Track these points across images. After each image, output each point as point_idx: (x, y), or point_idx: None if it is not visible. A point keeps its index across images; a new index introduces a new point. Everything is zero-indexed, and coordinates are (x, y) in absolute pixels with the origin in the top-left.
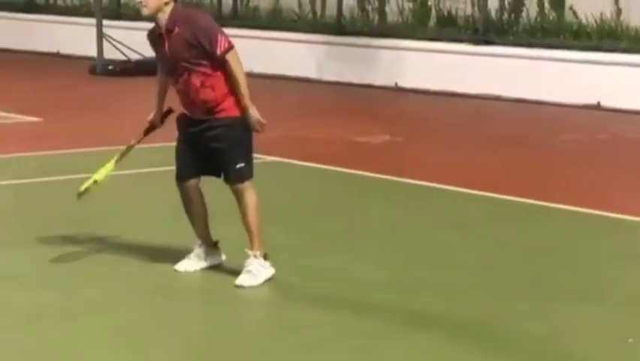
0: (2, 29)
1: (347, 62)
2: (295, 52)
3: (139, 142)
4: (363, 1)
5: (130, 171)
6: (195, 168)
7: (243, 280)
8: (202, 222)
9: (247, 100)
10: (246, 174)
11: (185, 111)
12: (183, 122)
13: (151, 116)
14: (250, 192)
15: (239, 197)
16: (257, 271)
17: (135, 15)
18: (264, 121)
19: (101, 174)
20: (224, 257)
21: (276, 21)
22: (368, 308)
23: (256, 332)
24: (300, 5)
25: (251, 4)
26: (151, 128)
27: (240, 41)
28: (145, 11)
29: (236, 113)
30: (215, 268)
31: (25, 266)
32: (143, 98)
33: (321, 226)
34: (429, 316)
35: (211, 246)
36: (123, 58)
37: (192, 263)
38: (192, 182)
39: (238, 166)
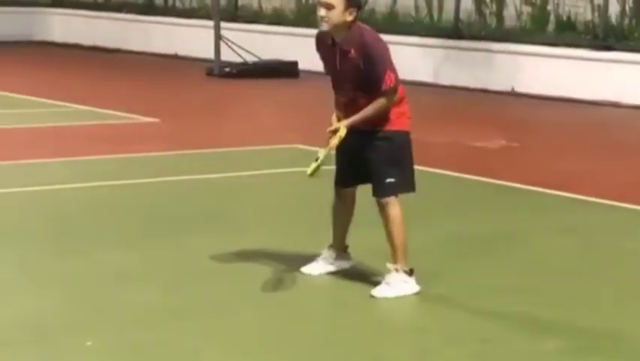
0: (122, 31)
1: (463, 66)
2: (411, 55)
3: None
4: (481, 4)
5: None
6: (354, 179)
7: (378, 290)
8: (343, 227)
9: (357, 119)
10: (392, 190)
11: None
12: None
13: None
14: (394, 206)
15: (383, 210)
16: (395, 284)
17: (252, 17)
18: (343, 133)
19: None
20: (353, 263)
21: (392, 24)
22: (485, 314)
23: (372, 336)
24: (416, 8)
25: (367, 7)
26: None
27: None
28: (325, 27)
29: (396, 128)
30: (344, 273)
31: (135, 265)
32: (258, 100)
33: (437, 231)
34: (548, 323)
35: (341, 250)
36: (240, 60)
37: (318, 266)
38: (350, 189)
39: (387, 181)
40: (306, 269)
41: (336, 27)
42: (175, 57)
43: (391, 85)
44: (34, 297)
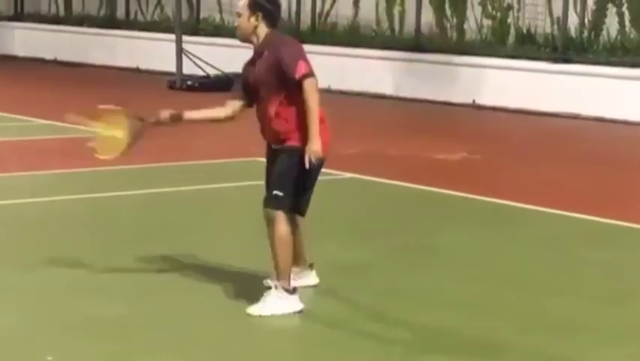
0: (84, 44)
1: (424, 78)
2: (373, 68)
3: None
4: (442, 17)
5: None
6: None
7: (253, 308)
8: (294, 242)
9: (314, 130)
10: (280, 204)
11: (263, 138)
12: (266, 148)
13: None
14: (280, 223)
15: (269, 226)
16: (271, 301)
17: (214, 31)
18: (321, 155)
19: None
20: (317, 280)
21: (354, 37)
22: (442, 328)
23: (325, 350)
24: (377, 22)
25: (329, 20)
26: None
27: (318, 58)
28: (238, 35)
29: (299, 144)
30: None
31: (100, 278)
32: None
33: (397, 244)
34: (500, 338)
35: (305, 267)
36: (202, 73)
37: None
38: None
39: (275, 193)
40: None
41: (245, 33)
42: (137, 70)
43: (305, 72)
44: None
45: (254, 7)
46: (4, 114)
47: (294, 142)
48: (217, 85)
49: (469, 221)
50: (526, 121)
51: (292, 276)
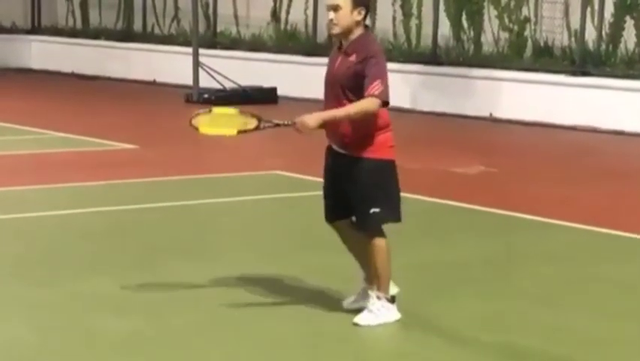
0: (101, 57)
1: (441, 91)
2: (390, 81)
3: (276, 126)
4: (459, 30)
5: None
6: (340, 210)
7: (361, 318)
8: (359, 260)
9: (330, 115)
10: (383, 220)
11: (328, 140)
12: (328, 154)
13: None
14: (380, 236)
15: (368, 239)
16: (378, 311)
17: (230, 44)
18: (308, 127)
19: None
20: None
21: None
22: (465, 342)
23: None
24: (395, 35)
25: None
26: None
27: None
28: (335, 30)
29: (381, 155)
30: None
31: (116, 292)
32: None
33: (413, 258)
34: (521, 352)
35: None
36: (218, 86)
37: (352, 301)
38: (342, 222)
39: (372, 211)
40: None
41: (346, 29)
42: (153, 84)
43: (376, 92)
44: (12, 326)
45: (359, 0)
46: (21, 127)
47: (372, 155)
48: (233, 98)
49: (486, 234)
50: (543, 134)
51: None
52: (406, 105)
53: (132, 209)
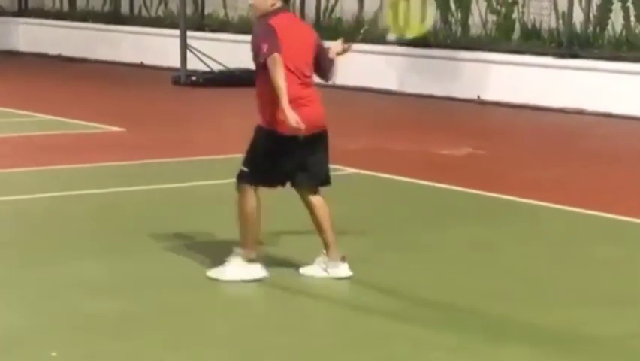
0: (88, 40)
1: (429, 74)
2: (377, 64)
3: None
4: (447, 13)
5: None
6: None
7: (212, 272)
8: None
9: (283, 103)
10: (244, 178)
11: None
12: None
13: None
14: (242, 194)
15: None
16: (230, 267)
17: (218, 27)
18: (299, 123)
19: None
20: (349, 273)
21: (358, 32)
22: (448, 322)
23: (333, 344)
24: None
25: (333, 15)
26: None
27: None
28: (255, 13)
29: (262, 123)
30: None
31: (104, 274)
32: (224, 109)
33: (401, 240)
34: (509, 329)
35: (337, 259)
36: (206, 69)
37: (314, 269)
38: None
39: (241, 168)
40: (306, 270)
41: (263, 14)
42: (141, 66)
43: (265, 52)
44: None
45: None
46: (8, 109)
47: (261, 120)
48: (221, 81)
49: (474, 217)
50: (531, 116)
51: (323, 266)
52: (393, 88)
53: (119, 191)
